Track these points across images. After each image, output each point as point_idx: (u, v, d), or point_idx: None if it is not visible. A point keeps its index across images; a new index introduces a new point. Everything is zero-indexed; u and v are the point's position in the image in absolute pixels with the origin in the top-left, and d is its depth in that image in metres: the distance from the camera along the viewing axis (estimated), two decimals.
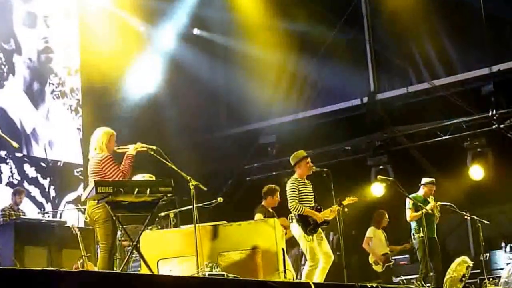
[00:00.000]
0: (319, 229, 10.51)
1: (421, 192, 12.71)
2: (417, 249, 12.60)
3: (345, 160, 17.30)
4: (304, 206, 10.45)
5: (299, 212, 10.41)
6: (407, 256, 15.41)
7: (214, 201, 10.15)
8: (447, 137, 16.30)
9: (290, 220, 10.57)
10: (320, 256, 10.34)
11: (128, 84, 16.15)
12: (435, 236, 12.57)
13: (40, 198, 14.59)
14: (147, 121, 16.01)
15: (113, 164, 8.65)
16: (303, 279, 10.12)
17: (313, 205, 10.55)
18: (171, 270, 9.39)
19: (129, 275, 7.97)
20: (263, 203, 11.57)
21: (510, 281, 11.94)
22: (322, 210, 10.57)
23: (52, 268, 5.40)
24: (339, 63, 17.33)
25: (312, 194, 10.67)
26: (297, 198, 10.48)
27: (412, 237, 12.70)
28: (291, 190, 10.54)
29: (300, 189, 10.56)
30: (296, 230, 10.49)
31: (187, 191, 9.07)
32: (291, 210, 10.49)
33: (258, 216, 11.25)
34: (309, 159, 10.76)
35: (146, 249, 9.24)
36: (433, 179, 12.98)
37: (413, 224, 12.58)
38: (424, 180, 12.88)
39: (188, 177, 8.98)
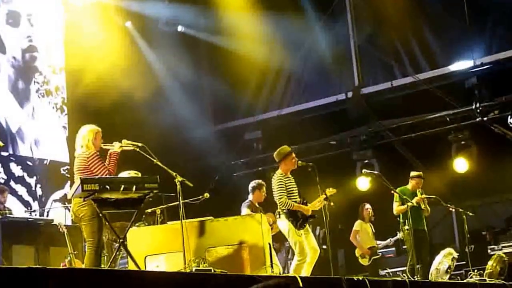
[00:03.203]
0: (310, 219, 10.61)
1: (410, 185, 12.84)
2: (405, 242, 12.74)
3: (330, 154, 17.35)
4: (292, 201, 10.52)
5: (288, 208, 10.48)
6: (393, 249, 15.51)
7: (200, 197, 10.19)
8: (431, 130, 16.38)
9: (278, 216, 10.63)
10: (307, 251, 10.42)
11: (113, 82, 16.12)
12: (425, 228, 12.68)
13: (26, 197, 14.57)
14: (132, 119, 15.99)
15: (99, 161, 8.68)
16: (291, 273, 10.18)
17: (299, 199, 10.62)
18: (158, 266, 9.42)
19: (116, 271, 7.99)
20: (250, 199, 11.63)
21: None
22: (307, 203, 10.64)
23: (40, 266, 5.43)
24: (323, 58, 17.40)
25: (297, 188, 10.74)
26: (286, 194, 10.54)
27: (400, 230, 12.81)
28: (278, 186, 10.59)
29: (287, 184, 10.63)
30: (284, 225, 10.55)
31: (174, 188, 9.10)
32: (280, 206, 10.55)
33: (245, 211, 11.30)
34: (293, 154, 10.82)
35: (133, 245, 9.26)
36: (420, 173, 13.11)
37: (400, 217, 12.69)
38: (412, 173, 13.01)
39: (174, 174, 9.01)
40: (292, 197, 10.58)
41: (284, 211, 10.52)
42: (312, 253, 10.44)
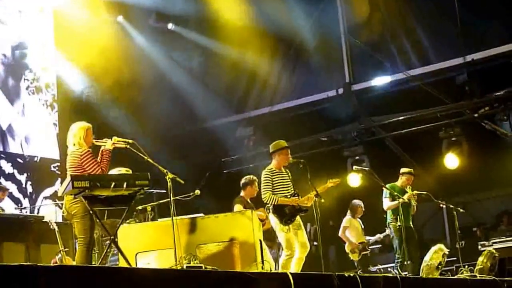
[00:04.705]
0: (297, 219, 10.55)
1: (399, 182, 12.84)
2: (393, 238, 12.75)
3: (322, 151, 17.37)
4: (280, 195, 10.48)
5: (273, 203, 10.44)
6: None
7: (191, 193, 10.19)
8: (422, 127, 16.41)
9: (268, 211, 10.62)
10: (296, 246, 10.40)
11: (104, 79, 16.09)
12: (411, 225, 12.69)
13: (17, 194, 14.54)
14: (123, 115, 15.98)
15: (92, 159, 8.66)
16: (280, 269, 10.18)
17: (291, 193, 10.59)
18: (149, 263, 9.42)
19: (107, 268, 7.99)
20: (242, 194, 11.64)
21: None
22: (300, 197, 10.61)
23: (30, 263, 5.41)
24: (314, 54, 17.41)
25: (290, 183, 10.67)
26: (271, 189, 10.50)
27: (387, 226, 12.84)
28: (264, 181, 10.57)
29: (275, 179, 10.58)
30: (273, 221, 10.55)
31: (165, 184, 9.09)
32: (264, 201, 10.55)
33: (237, 207, 11.31)
34: (289, 151, 10.79)
35: (124, 242, 9.24)
36: (411, 170, 13.12)
37: (389, 214, 12.70)
38: (402, 170, 13.00)
39: (165, 170, 9.00)
40: (281, 192, 10.52)
41: (271, 206, 10.51)
42: (301, 249, 10.40)
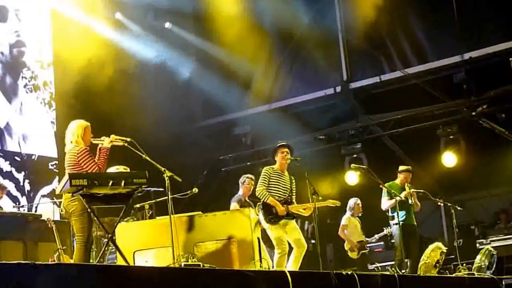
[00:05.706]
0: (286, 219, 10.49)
1: (398, 180, 12.82)
2: (393, 236, 12.75)
3: (319, 149, 17.36)
4: (273, 196, 10.44)
5: (263, 199, 10.38)
6: (381, 243, 15.55)
7: (189, 192, 10.20)
8: (419, 125, 16.42)
9: (257, 208, 10.57)
10: (292, 244, 10.34)
11: (102, 77, 16.07)
12: (414, 223, 12.67)
13: (15, 192, 14.52)
14: (122, 114, 15.95)
15: (89, 157, 8.64)
16: (274, 267, 10.16)
17: (283, 198, 10.53)
18: (147, 261, 9.42)
19: (105, 267, 7.98)
20: (239, 193, 11.64)
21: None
22: (293, 203, 10.55)
23: (28, 262, 5.41)
24: (312, 52, 17.40)
25: (287, 188, 10.60)
26: (265, 185, 10.45)
27: (390, 225, 12.85)
28: (261, 176, 10.53)
29: (272, 178, 10.52)
30: (261, 217, 10.47)
31: (162, 183, 9.09)
32: (257, 195, 10.49)
33: (234, 205, 11.31)
34: (284, 150, 10.73)
35: (122, 240, 9.26)
36: (409, 167, 13.10)
37: (389, 212, 12.69)
38: (400, 168, 12.99)
39: (163, 169, 9.00)
40: (275, 193, 10.44)
41: (261, 203, 10.45)
42: (297, 247, 10.33)
